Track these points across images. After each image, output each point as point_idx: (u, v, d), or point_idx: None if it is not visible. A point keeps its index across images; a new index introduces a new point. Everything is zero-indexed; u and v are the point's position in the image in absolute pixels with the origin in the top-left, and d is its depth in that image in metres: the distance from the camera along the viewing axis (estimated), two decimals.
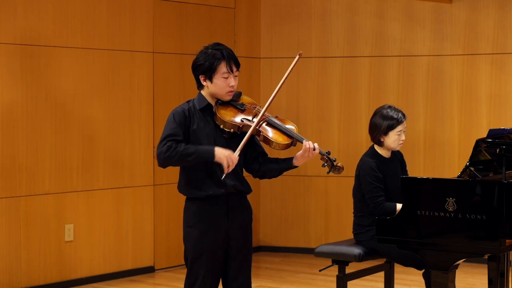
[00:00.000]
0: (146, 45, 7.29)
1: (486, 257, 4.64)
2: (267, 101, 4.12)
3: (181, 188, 4.21)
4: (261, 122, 4.10)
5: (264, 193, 8.36)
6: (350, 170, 5.28)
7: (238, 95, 4.24)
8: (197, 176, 4.12)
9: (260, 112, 4.10)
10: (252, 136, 4.18)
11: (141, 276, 7.23)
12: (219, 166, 4.04)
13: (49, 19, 6.64)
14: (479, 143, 4.56)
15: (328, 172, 4.18)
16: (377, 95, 7.99)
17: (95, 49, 6.93)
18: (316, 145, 4.10)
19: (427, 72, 7.89)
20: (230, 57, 4.12)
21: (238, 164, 4.18)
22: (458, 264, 4.44)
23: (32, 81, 6.54)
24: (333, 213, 8.18)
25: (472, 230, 4.26)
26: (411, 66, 7.94)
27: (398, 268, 5.70)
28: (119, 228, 7.11)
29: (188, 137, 4.11)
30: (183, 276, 4.33)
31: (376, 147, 5.23)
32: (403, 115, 5.18)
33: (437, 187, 4.41)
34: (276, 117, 4.20)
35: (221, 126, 4.13)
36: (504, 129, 4.81)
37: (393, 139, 5.15)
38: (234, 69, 4.13)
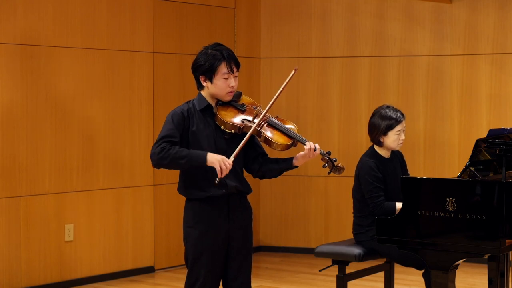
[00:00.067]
0: (146, 45, 7.29)
1: (486, 257, 4.63)
2: (267, 101, 4.12)
3: (181, 189, 4.20)
4: (261, 122, 4.10)
5: (264, 193, 8.36)
6: (350, 170, 5.28)
7: (238, 95, 4.23)
8: (197, 177, 4.12)
9: (260, 114, 4.09)
10: (252, 137, 4.18)
11: (141, 276, 7.23)
12: (215, 175, 4.02)
13: (49, 19, 6.64)
14: (479, 143, 4.56)
15: (329, 173, 4.18)
16: (377, 95, 7.99)
17: (95, 49, 6.93)
18: (317, 145, 4.10)
19: (427, 72, 7.89)
20: (230, 57, 4.12)
21: (239, 164, 4.18)
22: (458, 264, 4.44)
23: (32, 81, 6.54)
24: (333, 213, 8.18)
25: (472, 230, 4.26)
26: (411, 66, 7.94)
27: (398, 268, 5.70)
28: (119, 228, 7.11)
29: (187, 139, 4.11)
30: (183, 276, 4.33)
31: (375, 147, 5.23)
32: (402, 114, 5.18)
33: (437, 187, 4.41)
34: (277, 117, 4.19)
35: (222, 127, 4.12)
36: (504, 129, 4.81)
37: (393, 139, 5.15)
38: (234, 69, 4.13)
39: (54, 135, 6.67)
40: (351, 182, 5.31)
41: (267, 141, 4.08)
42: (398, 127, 5.14)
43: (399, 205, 4.90)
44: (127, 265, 7.19)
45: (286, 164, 4.20)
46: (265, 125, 4.12)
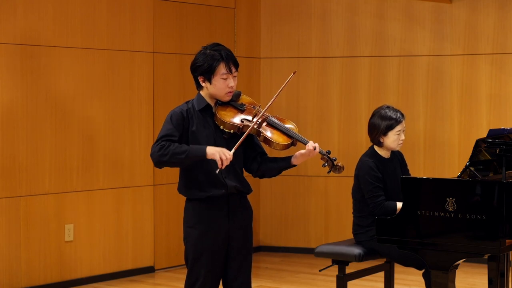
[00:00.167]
0: (146, 45, 7.29)
1: (486, 257, 4.63)
2: (267, 101, 4.13)
3: (181, 189, 4.21)
4: (261, 122, 4.10)
5: (264, 193, 8.36)
6: (350, 170, 5.28)
7: (237, 95, 4.23)
8: (197, 177, 4.12)
9: (259, 113, 4.10)
10: (252, 136, 4.18)
11: (141, 276, 7.23)
12: (216, 165, 4.02)
13: (49, 19, 6.63)
14: (479, 143, 4.56)
15: (328, 172, 4.17)
16: (377, 95, 7.99)
17: (95, 49, 6.93)
18: (316, 144, 4.10)
19: (427, 72, 7.89)
20: (229, 57, 4.11)
21: (238, 164, 4.18)
22: (458, 264, 4.44)
23: (32, 81, 6.54)
24: (333, 213, 8.18)
25: (472, 230, 4.26)
26: (411, 66, 7.94)
27: (398, 268, 5.70)
28: (119, 228, 7.11)
29: (187, 139, 4.11)
30: (183, 276, 4.33)
31: (375, 147, 5.23)
32: (402, 114, 5.18)
33: (437, 187, 4.41)
34: (276, 116, 4.20)
35: (221, 127, 4.12)
36: (504, 129, 4.81)
37: (393, 139, 5.14)
38: (233, 69, 4.13)
39: (54, 135, 6.67)
40: (351, 182, 5.31)
41: (267, 140, 4.08)
42: (398, 128, 5.13)
43: (399, 204, 4.89)
44: (127, 265, 7.19)
45: (285, 163, 4.20)
46: (264, 124, 4.12)
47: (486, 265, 4.80)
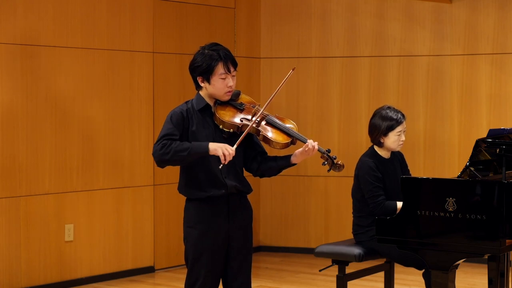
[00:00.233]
0: (146, 45, 7.29)
1: (486, 257, 4.63)
2: (266, 101, 4.12)
3: (181, 189, 4.21)
4: (260, 121, 4.10)
5: (264, 193, 8.36)
6: (350, 170, 5.28)
7: (237, 94, 4.23)
8: (198, 177, 4.12)
9: (259, 112, 4.09)
10: (251, 136, 4.18)
11: (141, 276, 7.23)
12: (218, 161, 4.02)
13: (49, 19, 6.63)
14: (479, 143, 4.56)
15: (328, 170, 4.17)
16: (377, 95, 7.99)
17: (95, 49, 6.93)
18: (316, 143, 4.10)
19: (427, 72, 7.89)
20: (227, 57, 4.11)
21: (238, 164, 4.18)
22: (458, 264, 4.44)
23: (32, 81, 6.54)
24: (333, 213, 8.18)
25: (472, 230, 4.26)
26: (411, 66, 7.94)
27: (398, 268, 5.70)
28: (119, 228, 7.11)
29: (187, 139, 4.11)
30: (183, 276, 4.33)
31: (375, 147, 5.23)
32: (403, 115, 5.18)
33: (437, 187, 4.41)
34: (276, 115, 4.19)
35: (221, 126, 4.12)
36: (504, 129, 4.81)
37: (393, 140, 5.14)
38: (232, 69, 4.12)
39: (54, 135, 6.67)
40: (351, 182, 5.31)
41: (266, 139, 4.08)
42: (399, 128, 5.13)
43: (399, 204, 4.89)
44: (127, 265, 7.19)
45: (284, 162, 4.19)
46: (264, 123, 4.12)
47: (486, 265, 4.80)
